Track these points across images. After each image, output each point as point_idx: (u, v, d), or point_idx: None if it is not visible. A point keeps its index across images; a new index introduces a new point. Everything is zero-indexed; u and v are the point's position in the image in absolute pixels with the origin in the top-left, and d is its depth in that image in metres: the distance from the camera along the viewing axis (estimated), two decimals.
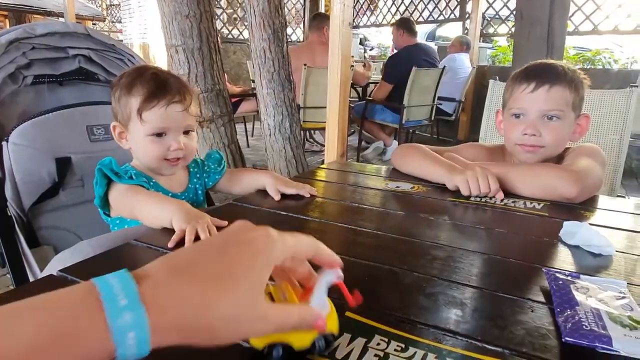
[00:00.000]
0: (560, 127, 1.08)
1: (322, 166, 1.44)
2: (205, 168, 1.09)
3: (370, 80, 4.57)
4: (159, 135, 0.93)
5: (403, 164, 1.24)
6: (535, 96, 1.08)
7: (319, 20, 3.98)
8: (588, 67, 4.91)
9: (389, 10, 6.83)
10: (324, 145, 3.81)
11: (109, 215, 0.95)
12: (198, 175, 1.07)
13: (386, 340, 0.49)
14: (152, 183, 0.97)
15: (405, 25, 4.02)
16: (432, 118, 4.19)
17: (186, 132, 0.96)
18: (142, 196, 0.88)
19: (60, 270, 0.63)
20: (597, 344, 0.46)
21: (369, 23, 7.27)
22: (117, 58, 1.22)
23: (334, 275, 0.44)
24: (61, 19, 4.74)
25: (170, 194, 0.99)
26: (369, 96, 4.74)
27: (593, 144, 1.19)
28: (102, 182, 0.90)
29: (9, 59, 1.06)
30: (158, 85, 0.91)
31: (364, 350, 0.47)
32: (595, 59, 5.23)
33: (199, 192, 1.07)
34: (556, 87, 1.06)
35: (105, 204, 0.93)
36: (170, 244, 0.71)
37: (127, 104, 0.92)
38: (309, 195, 1.00)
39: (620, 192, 1.77)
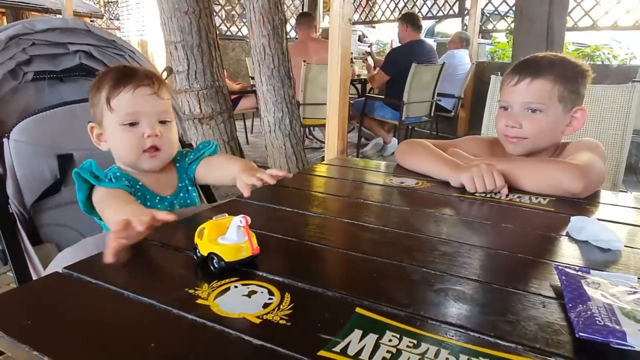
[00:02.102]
0: (542, 119, 1.08)
1: (323, 162, 1.43)
2: (186, 159, 1.01)
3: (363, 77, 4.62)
4: (132, 124, 0.89)
5: (406, 161, 1.23)
6: (517, 89, 1.09)
7: (308, 18, 4.16)
8: (587, 63, 4.90)
9: (387, 7, 6.80)
10: (323, 142, 3.80)
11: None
12: (185, 169, 1.01)
13: (398, 336, 0.48)
14: (138, 186, 0.92)
15: (410, 20, 4.04)
16: (432, 114, 4.19)
17: (163, 122, 0.92)
18: (110, 201, 0.83)
19: (65, 268, 0.63)
20: (611, 339, 0.46)
21: (367, 19, 7.25)
22: (118, 54, 1.20)
23: (240, 218, 0.61)
24: (59, 16, 4.71)
25: (157, 198, 0.95)
26: (369, 92, 4.74)
27: (592, 138, 1.19)
28: (82, 186, 0.86)
29: (8, 55, 1.05)
30: (124, 73, 0.89)
31: (376, 346, 0.46)
32: (594, 55, 5.22)
33: (190, 188, 1.01)
34: (538, 81, 1.07)
35: (92, 209, 0.88)
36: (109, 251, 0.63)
37: (99, 100, 0.89)
38: (281, 176, 0.87)
39: (621, 188, 1.77)
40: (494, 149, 1.22)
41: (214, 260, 0.61)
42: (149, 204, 0.93)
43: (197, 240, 0.64)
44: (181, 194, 0.99)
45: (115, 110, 0.87)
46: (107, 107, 0.87)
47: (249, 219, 0.61)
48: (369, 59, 4.69)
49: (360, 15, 7.19)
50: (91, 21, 6.91)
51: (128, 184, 0.89)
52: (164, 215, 0.69)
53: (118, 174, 0.90)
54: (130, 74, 0.89)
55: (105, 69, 1.00)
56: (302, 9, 7.08)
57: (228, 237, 0.62)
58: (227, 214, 0.65)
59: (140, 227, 0.63)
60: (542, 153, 1.15)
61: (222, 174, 0.97)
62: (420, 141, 1.25)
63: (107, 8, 9.13)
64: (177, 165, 1.00)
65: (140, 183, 0.93)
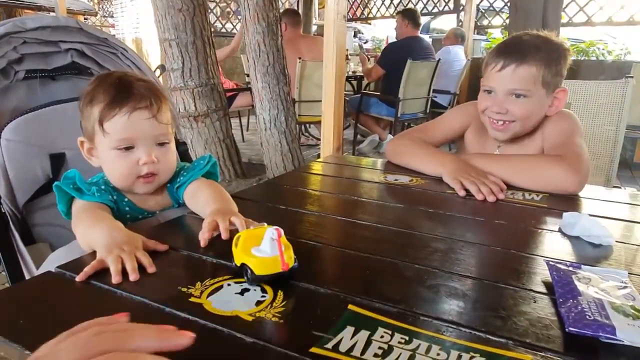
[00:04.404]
0: (527, 104, 1.07)
1: (318, 160, 1.43)
2: (178, 180, 0.90)
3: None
4: (127, 148, 0.81)
5: (399, 161, 1.23)
6: (501, 75, 1.07)
7: (296, 17, 4.13)
8: (582, 59, 4.91)
9: (383, 3, 6.80)
10: (319, 139, 3.79)
11: None
12: (174, 191, 0.91)
13: (389, 332, 0.48)
14: (125, 201, 0.87)
15: (411, 16, 4.05)
16: (427, 111, 4.19)
17: (161, 144, 0.84)
18: (83, 215, 0.77)
19: (58, 267, 0.62)
20: (600, 334, 0.46)
21: (362, 16, 7.24)
22: (110, 52, 1.19)
23: (273, 230, 0.58)
24: (52, 14, 4.67)
25: (144, 213, 0.89)
26: (365, 89, 4.73)
27: (569, 112, 1.18)
28: (62, 199, 0.81)
29: None
30: (120, 91, 0.80)
31: (368, 342, 0.47)
32: (589, 51, 5.23)
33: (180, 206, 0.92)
34: (523, 67, 1.05)
35: None
36: (78, 278, 0.59)
37: (90, 115, 0.81)
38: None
39: (615, 183, 1.78)
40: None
41: (247, 272, 0.58)
42: (132, 215, 0.88)
43: (233, 248, 0.61)
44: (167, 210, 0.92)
45: (108, 134, 0.80)
46: (100, 129, 0.80)
47: (282, 232, 0.58)
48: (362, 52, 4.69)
49: (355, 11, 7.18)
50: (85, 19, 6.86)
51: (112, 198, 0.84)
52: (154, 246, 0.68)
53: (103, 187, 0.84)
54: (126, 93, 0.80)
55: (99, 74, 0.89)
56: (298, 6, 7.06)
57: (262, 249, 0.58)
58: (265, 223, 0.61)
59: (115, 278, 0.59)
60: (525, 136, 1.14)
61: (197, 209, 0.85)
62: (408, 137, 1.25)
63: (101, 5, 9.06)
64: (168, 185, 0.91)
65: (127, 199, 0.87)
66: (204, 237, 0.70)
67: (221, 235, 0.70)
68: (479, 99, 1.16)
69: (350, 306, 0.53)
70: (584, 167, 1.00)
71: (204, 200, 0.83)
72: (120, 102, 0.79)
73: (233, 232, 0.70)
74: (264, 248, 0.58)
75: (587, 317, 0.48)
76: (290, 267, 0.58)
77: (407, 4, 6.37)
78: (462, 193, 0.99)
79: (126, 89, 0.80)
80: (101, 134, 0.81)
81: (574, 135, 1.08)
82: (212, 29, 3.10)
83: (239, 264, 0.59)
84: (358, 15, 7.30)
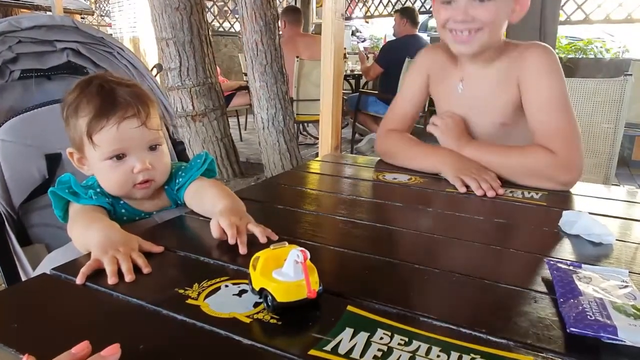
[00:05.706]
0: (493, 6, 0.98)
1: (317, 159, 1.43)
2: (176, 181, 0.89)
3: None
4: (119, 158, 0.80)
5: (396, 162, 1.22)
6: None
7: (297, 14, 4.10)
8: (580, 57, 4.91)
9: (381, 2, 6.79)
10: (317, 138, 3.79)
11: None
12: (174, 192, 0.90)
13: (389, 334, 0.48)
14: (121, 203, 0.85)
15: (409, 15, 4.05)
16: (425, 109, 4.18)
17: (153, 148, 0.82)
18: (79, 216, 0.77)
19: (53, 269, 0.62)
20: (602, 334, 0.46)
21: (360, 14, 7.24)
22: (106, 51, 1.18)
23: (298, 253, 0.52)
24: (49, 13, 4.64)
25: (142, 214, 0.88)
26: (363, 88, 4.73)
27: (542, 44, 1.07)
28: (58, 204, 0.80)
29: None
30: (105, 101, 0.78)
31: (367, 344, 0.46)
32: (587, 49, 5.23)
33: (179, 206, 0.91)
34: None
35: None
36: (78, 281, 0.58)
37: (76, 126, 0.80)
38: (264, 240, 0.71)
39: (614, 181, 1.78)
40: (453, 56, 1.13)
41: (268, 298, 0.52)
42: (129, 217, 0.87)
43: (250, 270, 0.55)
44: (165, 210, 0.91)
45: (98, 146, 0.79)
46: (89, 142, 0.79)
47: (308, 254, 0.52)
48: (362, 49, 4.68)
49: (354, 9, 7.17)
50: (82, 18, 6.83)
51: (109, 200, 0.83)
52: (149, 248, 0.67)
53: (99, 190, 0.83)
54: (111, 103, 0.78)
55: (79, 81, 0.85)
56: (295, 4, 7.04)
57: (284, 273, 0.52)
58: (287, 242, 0.56)
59: (111, 279, 0.59)
60: (490, 50, 1.06)
61: (203, 209, 0.83)
62: (394, 136, 1.22)
63: (97, 5, 9.02)
64: (166, 187, 0.89)
65: (122, 201, 0.86)
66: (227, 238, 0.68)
67: (239, 250, 0.66)
68: (435, 14, 1.07)
69: (349, 307, 0.53)
70: (579, 162, 0.99)
71: (209, 199, 0.82)
72: (106, 113, 0.77)
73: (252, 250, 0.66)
74: (287, 271, 0.52)
75: (589, 317, 0.48)
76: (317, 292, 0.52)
77: (405, 3, 6.36)
78: (463, 190, 0.99)
79: (111, 98, 0.78)
80: (91, 146, 0.79)
81: (560, 95, 1.01)
82: (210, 28, 3.09)
83: (257, 289, 0.54)
84: (356, 14, 7.29)
